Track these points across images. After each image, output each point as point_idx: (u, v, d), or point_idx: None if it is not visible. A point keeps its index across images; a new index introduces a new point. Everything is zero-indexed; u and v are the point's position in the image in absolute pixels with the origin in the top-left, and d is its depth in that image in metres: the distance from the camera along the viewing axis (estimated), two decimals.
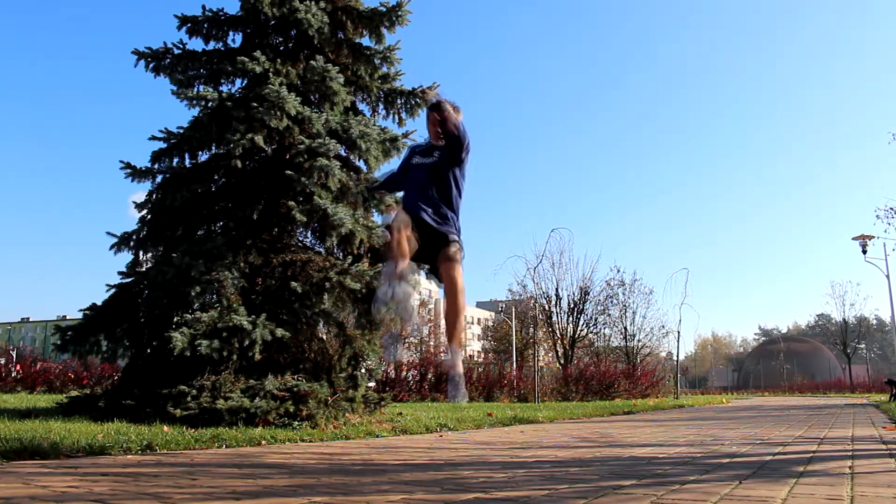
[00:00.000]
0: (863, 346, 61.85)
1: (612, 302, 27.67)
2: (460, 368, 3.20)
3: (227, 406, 4.36)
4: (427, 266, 3.64)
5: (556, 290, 26.24)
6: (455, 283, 3.25)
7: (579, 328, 26.49)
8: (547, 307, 26.32)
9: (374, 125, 5.82)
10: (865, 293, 75.42)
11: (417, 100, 6.15)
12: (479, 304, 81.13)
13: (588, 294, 26.58)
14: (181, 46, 5.85)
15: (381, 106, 6.25)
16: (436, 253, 3.54)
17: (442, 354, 22.15)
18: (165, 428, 3.91)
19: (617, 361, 25.53)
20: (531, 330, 26.56)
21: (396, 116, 6.21)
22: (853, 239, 21.16)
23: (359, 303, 5.43)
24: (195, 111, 5.62)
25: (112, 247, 5.54)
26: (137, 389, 4.72)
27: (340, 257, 5.49)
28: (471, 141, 3.59)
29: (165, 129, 5.61)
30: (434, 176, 3.47)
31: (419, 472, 2.44)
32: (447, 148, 3.48)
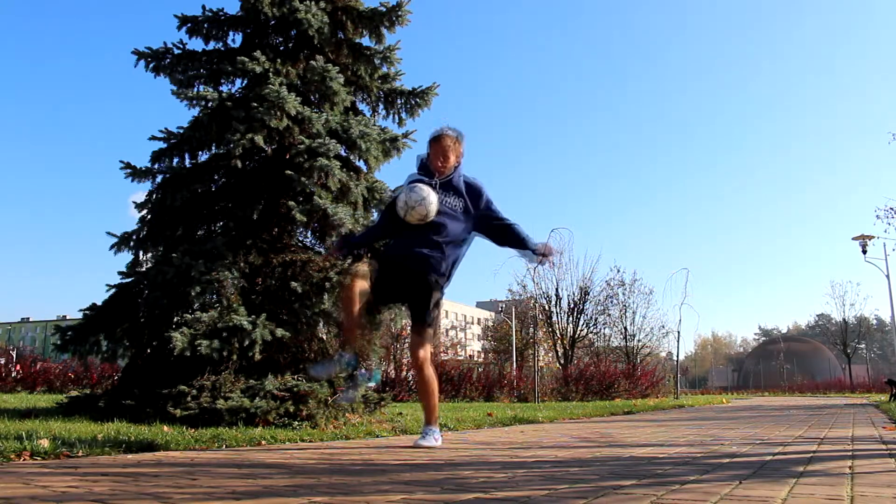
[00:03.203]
0: (863, 346, 61.89)
1: (612, 302, 27.72)
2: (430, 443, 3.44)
3: (227, 406, 4.36)
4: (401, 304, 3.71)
5: (556, 290, 26.29)
6: (417, 358, 3.45)
7: (579, 328, 26.52)
8: (547, 307, 26.35)
9: (374, 125, 5.82)
10: (865, 293, 75.68)
11: (417, 100, 6.16)
12: (479, 304, 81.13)
13: (588, 294, 26.63)
14: (181, 46, 5.85)
15: (381, 106, 6.25)
16: (413, 293, 3.57)
17: (442, 355, 22.15)
18: (165, 428, 3.91)
19: (617, 361, 25.56)
20: (531, 330, 26.57)
21: (396, 116, 6.21)
22: (853, 239, 21.23)
23: None
24: (195, 111, 5.62)
25: (112, 247, 5.54)
26: (137, 389, 4.72)
27: (341, 257, 5.50)
28: (484, 188, 3.69)
29: (165, 129, 5.62)
30: (443, 225, 3.53)
31: (419, 472, 2.44)
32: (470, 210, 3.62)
